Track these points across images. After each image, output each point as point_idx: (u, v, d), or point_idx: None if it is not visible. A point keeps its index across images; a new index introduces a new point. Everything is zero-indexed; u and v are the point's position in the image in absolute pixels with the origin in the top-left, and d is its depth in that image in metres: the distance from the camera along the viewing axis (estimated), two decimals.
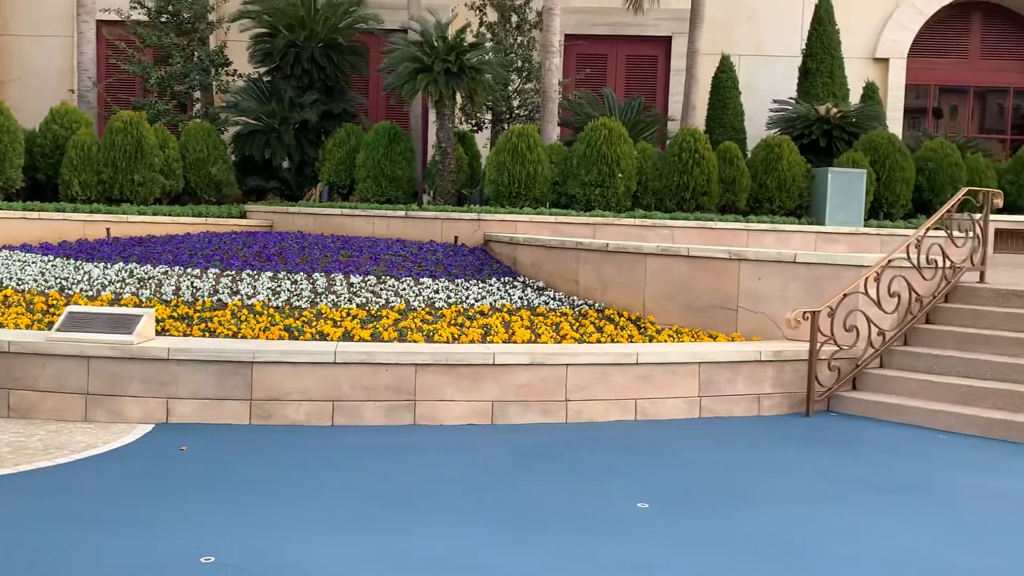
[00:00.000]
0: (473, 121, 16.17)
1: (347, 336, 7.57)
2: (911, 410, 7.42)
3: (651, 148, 14.60)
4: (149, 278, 9.51)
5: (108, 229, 12.38)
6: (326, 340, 7.41)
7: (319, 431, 6.66)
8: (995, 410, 7.21)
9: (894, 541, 4.71)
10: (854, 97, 17.10)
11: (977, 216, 8.82)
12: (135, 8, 15.97)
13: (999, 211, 15.64)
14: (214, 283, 9.41)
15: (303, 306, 8.70)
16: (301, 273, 10.08)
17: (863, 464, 6.26)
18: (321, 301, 8.87)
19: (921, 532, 4.86)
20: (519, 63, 15.98)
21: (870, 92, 16.95)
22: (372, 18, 15.91)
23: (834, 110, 15.49)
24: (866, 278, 7.86)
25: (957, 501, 5.46)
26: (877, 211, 14.98)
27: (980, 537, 4.81)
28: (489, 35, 16.03)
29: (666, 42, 18.79)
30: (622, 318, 9.31)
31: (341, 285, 9.60)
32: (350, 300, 8.97)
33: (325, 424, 6.84)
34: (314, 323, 7.94)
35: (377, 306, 8.84)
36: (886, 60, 18.28)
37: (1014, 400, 7.18)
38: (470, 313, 8.83)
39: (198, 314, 8.09)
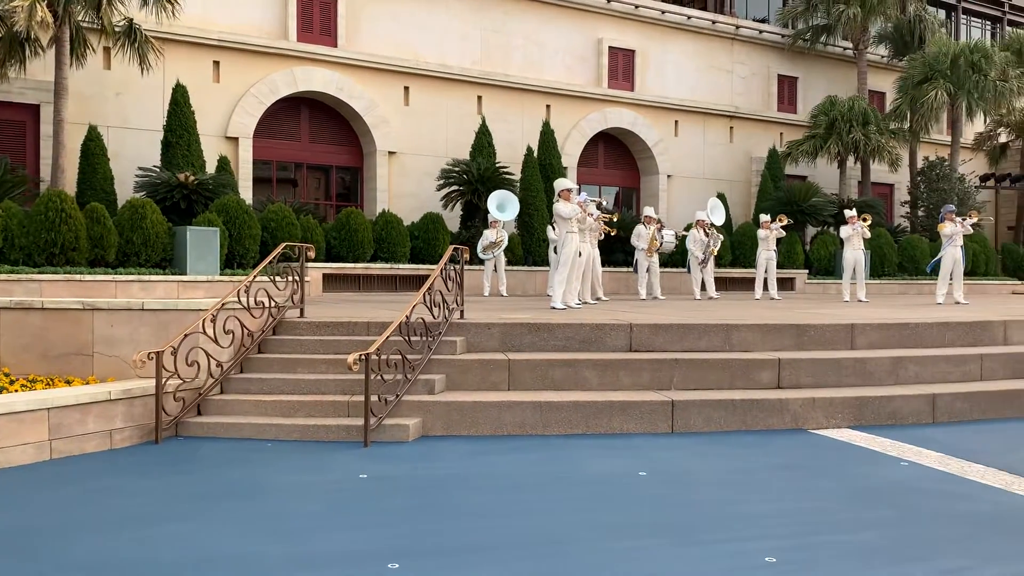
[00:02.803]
0: None
1: None
2: (245, 426, 7.39)
3: (16, 207, 12.85)
4: None
5: None
6: None
7: None
8: (310, 418, 7.51)
9: (218, 542, 4.55)
10: (211, 168, 16.99)
11: (295, 265, 9.21)
12: None
13: (330, 260, 16.79)
14: None
15: None
16: None
17: (200, 479, 6.03)
18: None
19: (242, 529, 4.77)
20: None
21: (223, 164, 17.00)
22: None
23: (192, 178, 15.20)
24: (204, 319, 7.71)
25: (274, 498, 5.49)
26: (232, 262, 15.01)
27: (290, 527, 4.85)
28: None
29: (35, 110, 16.73)
30: None
31: None
32: None
33: None
34: None
35: None
36: (236, 139, 18.48)
37: (323, 408, 7.57)
38: None
39: None
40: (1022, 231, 29.81)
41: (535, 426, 7.49)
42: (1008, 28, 32.70)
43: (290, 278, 9.05)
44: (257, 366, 8.29)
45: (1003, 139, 30.40)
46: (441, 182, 19.35)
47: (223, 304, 7.98)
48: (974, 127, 30.11)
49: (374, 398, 7.15)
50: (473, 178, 18.80)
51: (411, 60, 20.45)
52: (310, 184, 20.59)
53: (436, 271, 8.73)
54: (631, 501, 5.40)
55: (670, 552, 4.42)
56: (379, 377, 7.26)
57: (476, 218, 19.17)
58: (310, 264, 15.45)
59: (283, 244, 9.23)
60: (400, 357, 7.57)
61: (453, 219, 19.72)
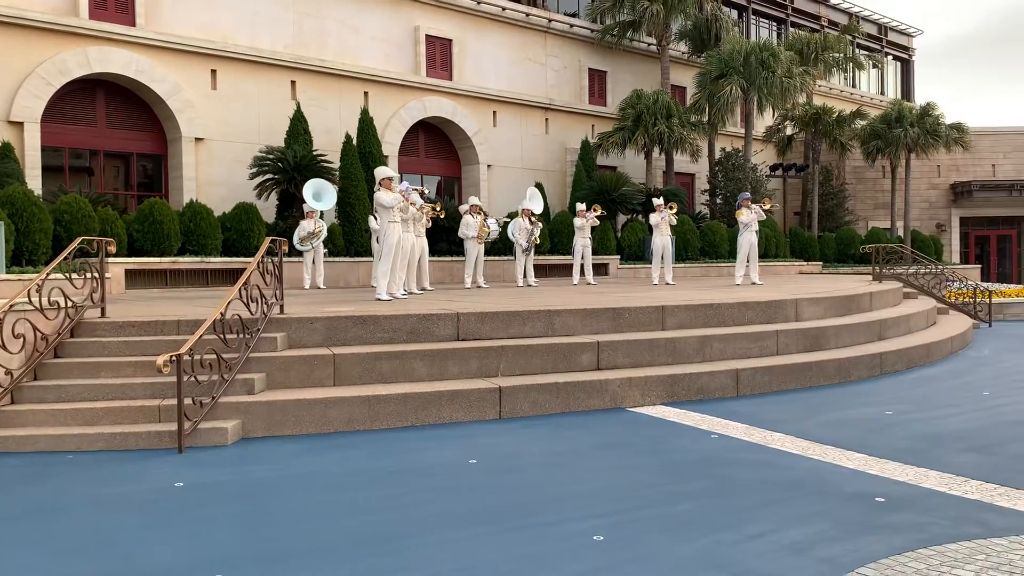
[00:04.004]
0: None
1: None
2: (41, 438, 6.73)
3: None
4: None
5: None
6: None
7: None
8: (117, 425, 6.96)
9: (13, 567, 4.09)
10: None
11: (94, 260, 8.49)
12: None
13: (133, 254, 15.64)
14: None
15: None
16: None
17: None
18: None
19: (42, 551, 4.31)
20: None
21: (7, 151, 15.38)
22: None
23: None
24: None
25: (80, 514, 5.02)
26: (20, 259, 13.65)
27: (99, 543, 4.46)
28: None
29: None
30: None
31: None
32: None
33: None
34: None
35: None
36: (21, 123, 16.76)
37: (131, 414, 7.04)
38: None
39: None
40: (807, 216, 32.67)
41: (363, 421, 7.34)
42: (792, 29, 35.65)
43: (88, 275, 8.32)
44: (54, 372, 7.58)
45: (789, 132, 33.15)
46: (254, 170, 18.50)
47: (11, 305, 7.21)
48: (764, 120, 32.62)
49: (188, 401, 6.74)
50: (289, 166, 18.12)
51: (219, 42, 19.38)
52: (108, 173, 19.06)
53: (252, 264, 8.34)
54: (462, 490, 5.41)
55: (503, 538, 4.46)
56: (193, 378, 6.85)
57: (294, 208, 18.51)
58: (111, 259, 14.35)
59: (80, 238, 8.48)
60: (215, 356, 7.17)
61: (269, 209, 18.93)
